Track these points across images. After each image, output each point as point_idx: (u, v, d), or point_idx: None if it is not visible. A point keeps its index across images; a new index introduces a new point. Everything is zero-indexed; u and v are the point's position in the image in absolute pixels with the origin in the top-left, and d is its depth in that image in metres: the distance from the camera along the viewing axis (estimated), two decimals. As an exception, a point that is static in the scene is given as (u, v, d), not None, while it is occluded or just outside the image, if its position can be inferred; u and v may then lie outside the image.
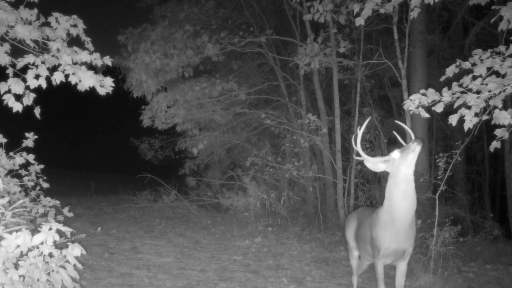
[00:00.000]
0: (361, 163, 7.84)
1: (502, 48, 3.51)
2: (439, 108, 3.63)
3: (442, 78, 3.73)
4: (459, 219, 7.56)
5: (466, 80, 3.53)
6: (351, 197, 8.49)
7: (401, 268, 3.92)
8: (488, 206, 11.27)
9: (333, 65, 8.49)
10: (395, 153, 3.65)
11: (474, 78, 3.51)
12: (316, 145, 9.86)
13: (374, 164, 3.77)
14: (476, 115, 3.54)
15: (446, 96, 3.55)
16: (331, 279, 5.59)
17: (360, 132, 3.88)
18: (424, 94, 3.69)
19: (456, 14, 10.08)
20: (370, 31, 8.82)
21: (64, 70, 3.54)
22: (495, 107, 3.44)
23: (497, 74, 3.48)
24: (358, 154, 4.05)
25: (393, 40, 7.68)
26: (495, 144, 3.70)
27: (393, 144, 3.84)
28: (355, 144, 3.95)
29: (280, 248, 7.23)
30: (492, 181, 13.38)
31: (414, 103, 3.75)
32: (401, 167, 3.57)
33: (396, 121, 4.39)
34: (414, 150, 3.52)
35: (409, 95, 5.81)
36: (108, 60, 3.74)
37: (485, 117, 3.55)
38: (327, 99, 10.77)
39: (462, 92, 3.55)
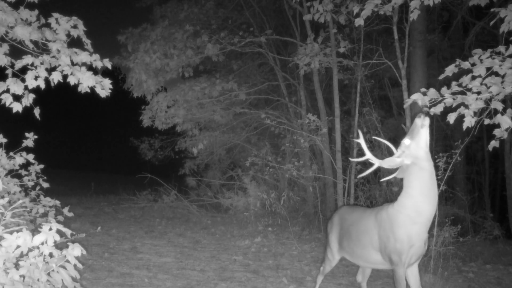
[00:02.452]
0: (361, 163, 7.84)
1: (501, 48, 3.51)
2: (438, 109, 3.63)
3: (441, 77, 3.72)
4: (459, 219, 7.56)
5: (466, 79, 3.53)
6: (351, 197, 8.48)
7: (414, 269, 3.68)
8: (488, 206, 11.27)
9: (333, 65, 8.49)
10: (406, 140, 3.49)
11: (474, 78, 3.51)
12: (316, 145, 9.86)
13: (391, 161, 3.56)
14: (475, 114, 3.54)
15: (448, 97, 3.53)
16: (331, 279, 5.60)
17: (362, 139, 3.78)
18: (425, 94, 3.68)
19: (456, 14, 10.08)
20: (370, 31, 8.81)
21: (63, 70, 3.55)
22: (496, 111, 3.43)
23: (497, 74, 3.48)
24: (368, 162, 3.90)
25: (393, 40, 7.68)
26: (493, 144, 3.70)
27: (393, 144, 3.80)
28: (365, 151, 3.75)
29: (280, 248, 7.24)
30: (492, 181, 13.38)
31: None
32: (420, 144, 3.40)
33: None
34: (424, 124, 3.38)
35: (409, 95, 5.81)
36: (108, 63, 3.75)
37: (486, 121, 3.53)
38: (327, 99, 10.78)
39: (462, 93, 3.54)
